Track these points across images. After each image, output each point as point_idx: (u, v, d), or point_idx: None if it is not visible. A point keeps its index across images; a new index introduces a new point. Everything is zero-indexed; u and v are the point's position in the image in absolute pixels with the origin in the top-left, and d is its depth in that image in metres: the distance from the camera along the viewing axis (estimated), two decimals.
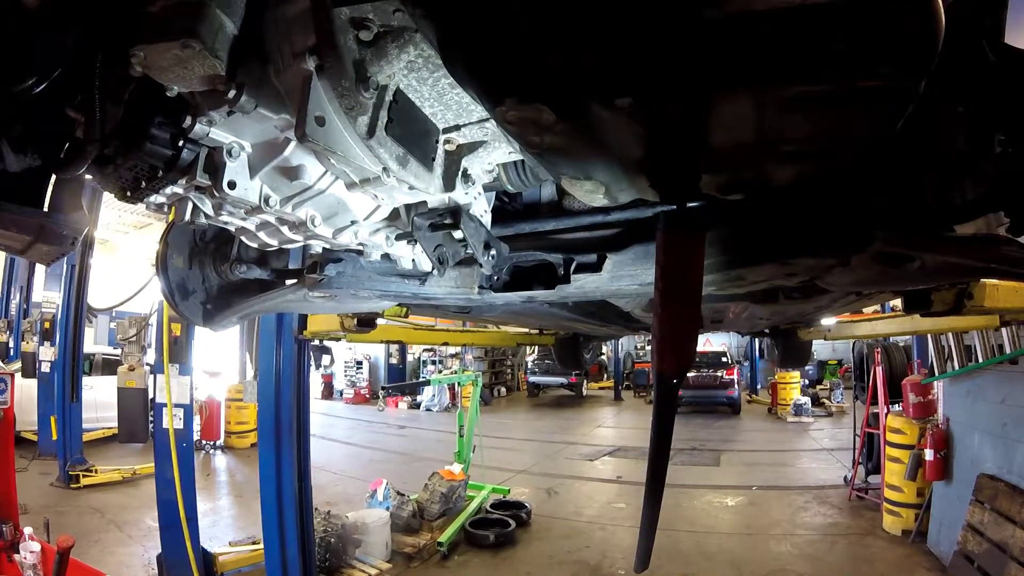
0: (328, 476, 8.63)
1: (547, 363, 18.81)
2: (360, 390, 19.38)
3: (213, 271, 1.87)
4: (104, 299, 8.47)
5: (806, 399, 14.85)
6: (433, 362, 20.52)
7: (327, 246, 1.31)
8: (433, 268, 1.33)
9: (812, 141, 0.85)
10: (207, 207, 1.09)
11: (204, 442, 10.50)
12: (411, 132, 0.99)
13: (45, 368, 8.86)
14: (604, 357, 21.87)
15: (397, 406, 17.65)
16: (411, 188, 1.06)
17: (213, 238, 1.85)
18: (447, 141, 1.10)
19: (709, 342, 17.79)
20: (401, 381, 18.78)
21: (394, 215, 1.24)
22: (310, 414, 4.75)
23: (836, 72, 0.65)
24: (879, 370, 7.32)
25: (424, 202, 1.18)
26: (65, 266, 8.31)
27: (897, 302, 3.55)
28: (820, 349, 16.10)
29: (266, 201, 1.06)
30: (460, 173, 1.15)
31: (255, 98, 0.89)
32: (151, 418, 5.34)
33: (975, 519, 4.89)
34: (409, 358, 20.90)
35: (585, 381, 20.24)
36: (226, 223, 1.16)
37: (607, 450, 11.06)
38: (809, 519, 7.02)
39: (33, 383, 8.87)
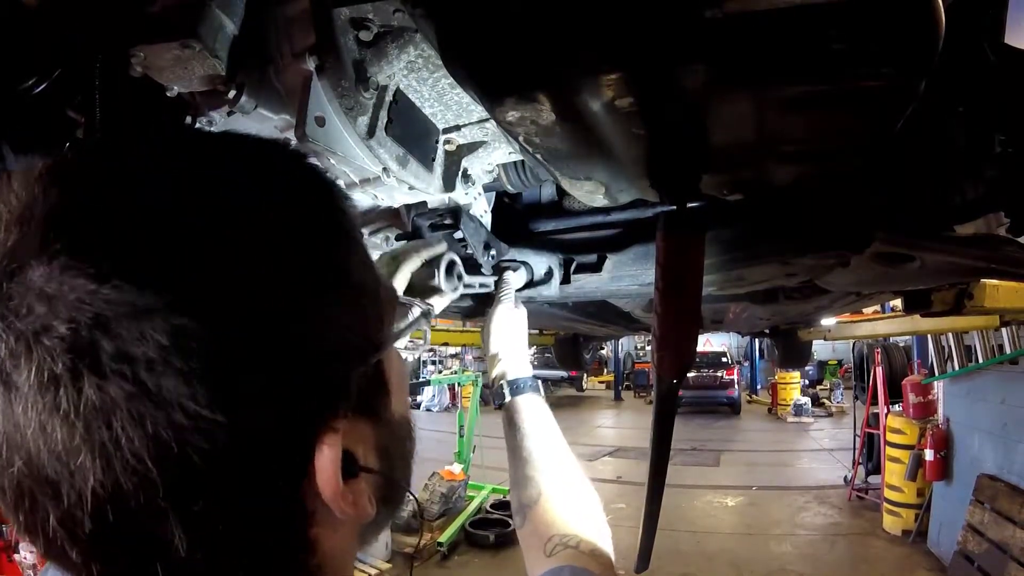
0: None
1: (546, 356, 18.75)
2: None
3: None
4: None
5: (806, 399, 14.85)
6: (433, 362, 20.50)
7: None
8: None
9: (812, 141, 0.85)
10: None
11: None
12: (411, 132, 0.99)
13: None
14: (604, 352, 21.86)
15: None
16: (411, 188, 1.06)
17: None
18: (447, 141, 1.11)
19: (709, 342, 17.80)
20: None
21: (394, 215, 1.24)
22: None
23: (836, 72, 0.65)
24: (879, 370, 7.32)
25: (424, 202, 1.18)
26: None
27: (897, 302, 3.56)
28: (820, 349, 16.07)
29: None
30: (460, 173, 1.16)
31: (255, 98, 0.89)
32: None
33: (975, 519, 4.89)
34: (409, 358, 20.83)
35: (585, 375, 20.23)
36: None
37: (607, 450, 11.07)
38: (809, 519, 7.03)
39: None
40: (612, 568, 0.77)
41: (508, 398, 1.00)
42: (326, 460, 0.35)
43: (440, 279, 1.09)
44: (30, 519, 0.31)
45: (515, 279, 1.29)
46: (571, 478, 0.91)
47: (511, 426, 0.97)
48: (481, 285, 1.24)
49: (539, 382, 1.04)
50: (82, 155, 0.37)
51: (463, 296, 1.28)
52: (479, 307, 1.24)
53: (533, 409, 0.99)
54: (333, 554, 0.38)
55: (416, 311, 0.74)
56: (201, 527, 0.31)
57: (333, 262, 0.37)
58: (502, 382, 1.03)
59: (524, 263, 1.34)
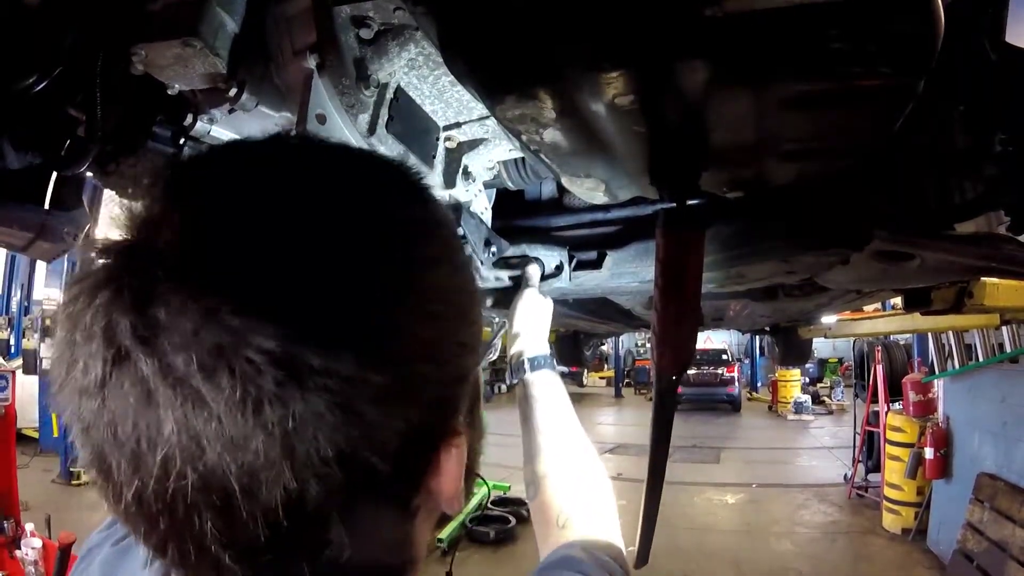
0: None
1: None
2: None
3: None
4: None
5: (806, 397, 14.84)
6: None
7: None
8: None
9: (812, 140, 0.85)
10: None
11: None
12: (412, 130, 0.99)
13: (46, 365, 8.86)
14: (604, 348, 21.89)
15: None
16: None
17: None
18: (447, 139, 1.11)
19: (710, 339, 17.77)
20: None
21: None
22: None
23: (836, 71, 0.65)
24: (879, 368, 7.31)
25: None
26: (66, 263, 8.26)
27: (897, 300, 3.55)
28: (821, 347, 16.06)
29: None
30: (460, 170, 1.16)
31: (256, 96, 0.89)
32: None
33: (975, 518, 4.90)
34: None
35: (586, 371, 20.28)
36: None
37: (608, 447, 11.07)
38: (809, 517, 7.03)
39: (34, 380, 8.87)
40: (620, 540, 0.79)
41: (527, 372, 1.04)
42: (453, 461, 0.39)
43: None
44: (178, 526, 0.31)
45: (538, 271, 1.32)
46: (583, 452, 0.93)
47: (527, 400, 1.00)
48: (496, 279, 1.28)
49: (555, 361, 1.07)
50: (233, 154, 0.40)
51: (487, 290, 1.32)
52: (505, 298, 1.27)
53: (549, 384, 1.02)
54: (421, 543, 0.41)
55: (497, 323, 0.80)
56: (358, 525, 0.34)
57: (472, 289, 0.42)
58: (522, 358, 1.07)
59: (535, 258, 1.37)
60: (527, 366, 1.05)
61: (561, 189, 1.54)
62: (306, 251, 0.32)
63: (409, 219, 0.39)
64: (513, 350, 1.11)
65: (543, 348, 1.10)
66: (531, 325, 1.15)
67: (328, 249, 0.33)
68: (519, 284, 1.29)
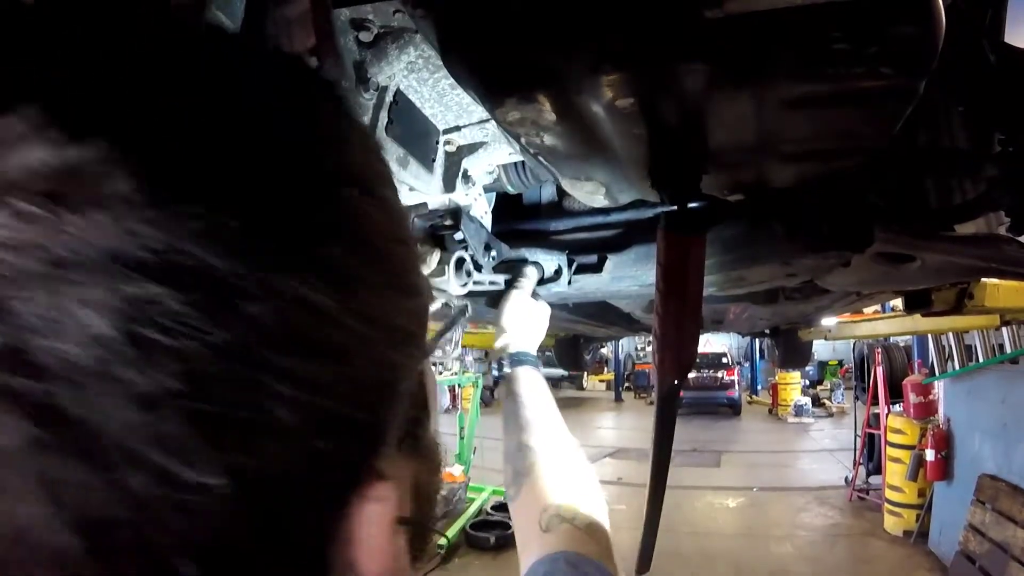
0: None
1: (547, 355, 18.76)
2: None
3: None
4: None
5: (806, 400, 14.83)
6: (433, 364, 20.45)
7: None
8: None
9: (812, 142, 0.85)
10: None
11: None
12: (411, 133, 0.99)
13: None
14: (604, 351, 21.91)
15: None
16: (411, 189, 1.06)
17: None
18: (447, 142, 1.11)
19: (710, 343, 17.76)
20: None
21: None
22: None
23: (837, 73, 0.65)
24: (879, 370, 7.31)
25: (424, 203, 1.18)
26: None
27: (898, 302, 3.55)
28: (820, 349, 16.02)
29: None
30: (460, 174, 1.16)
31: None
32: None
33: (976, 519, 4.89)
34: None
35: (586, 374, 20.28)
36: None
37: (608, 451, 11.05)
38: (810, 520, 7.01)
39: None
40: (609, 544, 0.73)
41: (508, 368, 1.03)
42: (375, 525, 0.23)
43: (450, 276, 1.10)
44: None
45: (533, 274, 1.32)
46: (567, 448, 0.90)
47: (509, 395, 0.98)
48: (491, 283, 1.27)
49: (539, 360, 1.06)
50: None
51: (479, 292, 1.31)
52: (499, 300, 1.27)
53: (531, 381, 1.00)
54: None
55: (454, 308, 0.71)
56: None
57: (407, 236, 0.27)
58: (504, 353, 1.05)
59: (535, 262, 1.37)
60: (508, 361, 1.03)
61: (561, 192, 1.54)
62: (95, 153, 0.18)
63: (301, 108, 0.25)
64: (498, 344, 1.09)
65: (529, 346, 1.09)
66: (519, 322, 1.14)
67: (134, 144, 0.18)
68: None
